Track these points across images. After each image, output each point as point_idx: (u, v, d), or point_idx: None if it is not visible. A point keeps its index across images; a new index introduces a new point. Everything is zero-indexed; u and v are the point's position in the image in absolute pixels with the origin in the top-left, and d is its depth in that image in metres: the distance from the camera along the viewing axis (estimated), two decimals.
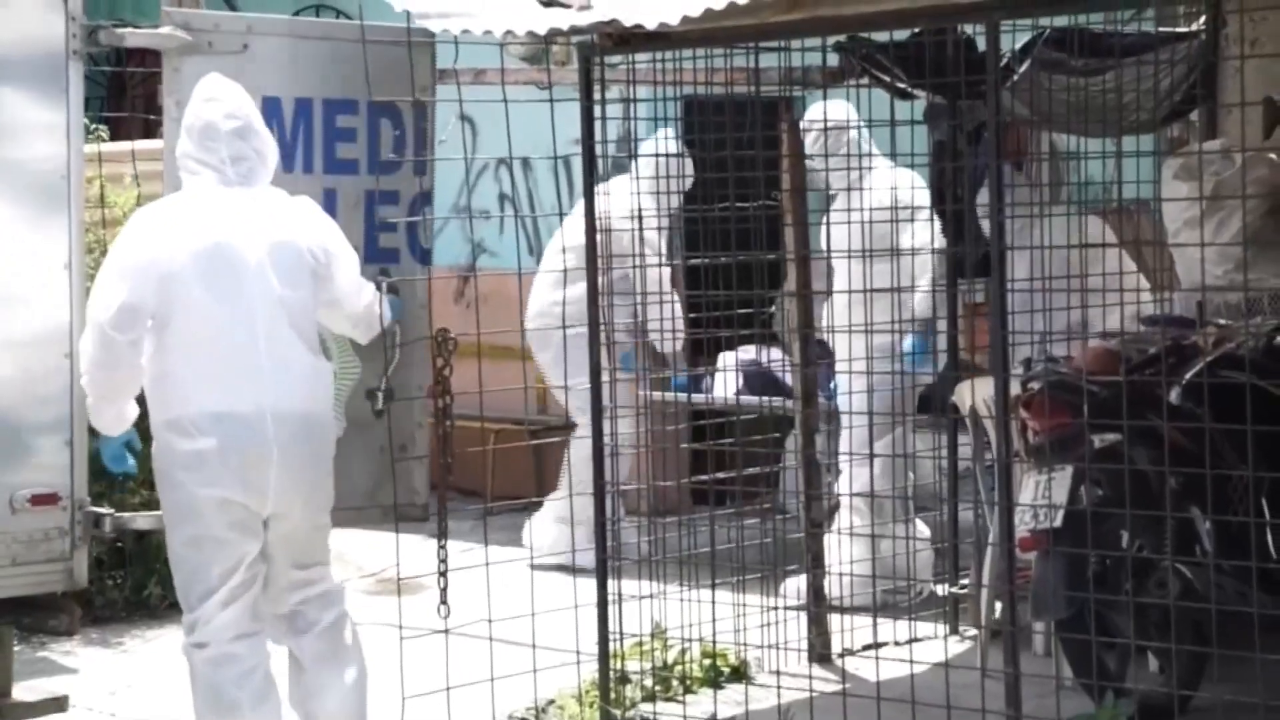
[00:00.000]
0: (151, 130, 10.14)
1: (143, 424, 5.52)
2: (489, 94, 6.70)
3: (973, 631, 7.16)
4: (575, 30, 5.97)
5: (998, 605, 6.79)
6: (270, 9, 11.25)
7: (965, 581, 7.29)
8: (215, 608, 5.32)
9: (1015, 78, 6.96)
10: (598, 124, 6.36)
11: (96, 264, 5.85)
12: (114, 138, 8.58)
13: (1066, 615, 6.00)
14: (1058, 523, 5.95)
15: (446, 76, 6.42)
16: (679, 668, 6.67)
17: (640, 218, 7.13)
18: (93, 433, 5.62)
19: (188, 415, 5.31)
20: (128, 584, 7.95)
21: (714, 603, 6.56)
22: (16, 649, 6.12)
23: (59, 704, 5.93)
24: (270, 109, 5.88)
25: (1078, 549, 5.83)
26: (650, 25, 5.61)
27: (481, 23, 5.91)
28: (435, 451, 5.96)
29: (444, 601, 5.76)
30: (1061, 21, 7.00)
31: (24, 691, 5.94)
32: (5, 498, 5.50)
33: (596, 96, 6.32)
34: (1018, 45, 6.97)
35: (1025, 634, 6.54)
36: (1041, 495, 6.01)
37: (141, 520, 5.79)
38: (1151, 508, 5.85)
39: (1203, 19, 7.72)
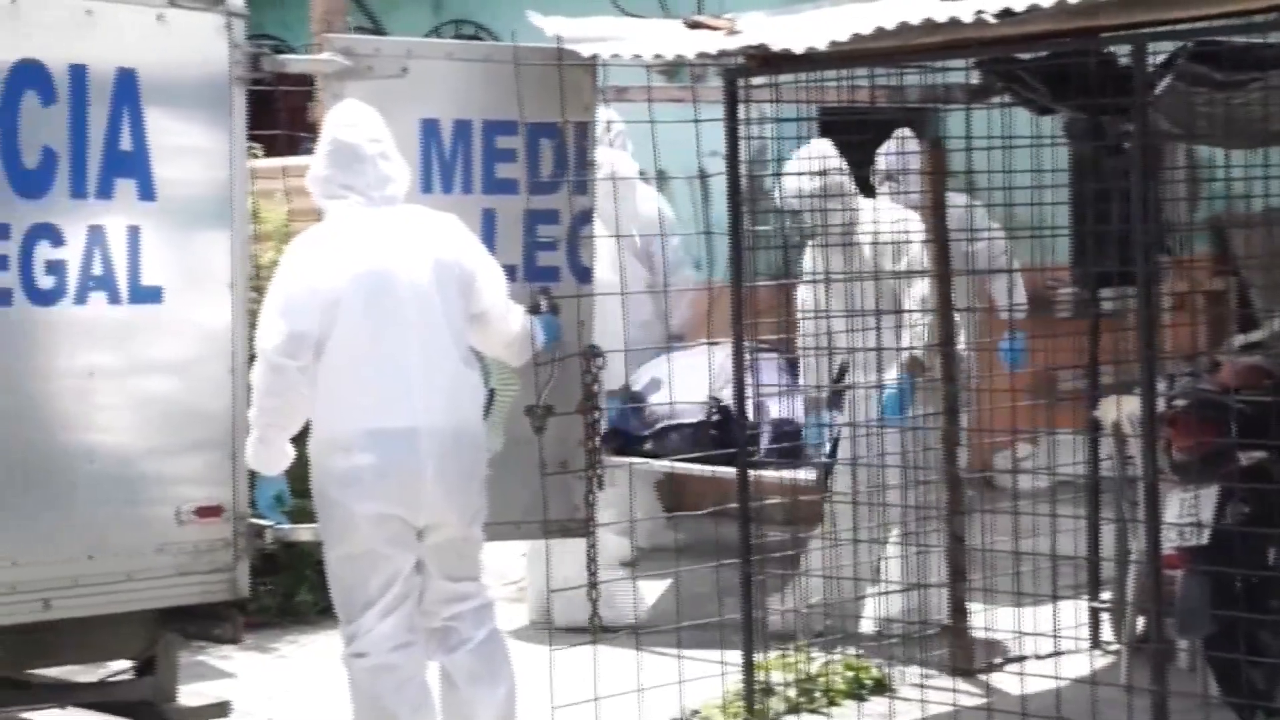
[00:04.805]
0: (296, 146, 10.39)
1: (294, 470, 5.62)
2: (630, 110, 6.82)
3: (1115, 646, 7.16)
4: (724, 54, 6.05)
5: (1139, 620, 6.80)
6: (410, 28, 11.47)
7: (1107, 596, 7.28)
8: (374, 619, 5.43)
9: (1157, 92, 6.94)
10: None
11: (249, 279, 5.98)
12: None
13: (1213, 633, 6.00)
14: (1204, 540, 5.95)
15: None
16: (822, 679, 6.73)
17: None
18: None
19: (344, 433, 5.43)
20: (279, 590, 8.11)
21: (859, 616, 6.62)
22: None
23: (221, 709, 6.06)
24: (429, 131, 5.98)
25: (1224, 567, 5.84)
26: (798, 49, 5.67)
27: (630, 47, 6.00)
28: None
29: (596, 614, 5.87)
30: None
31: (188, 696, 6.08)
32: (172, 510, 5.65)
33: (741, 116, 6.40)
34: (1159, 59, 6.94)
35: (1170, 650, 6.53)
36: (1187, 513, 6.01)
37: (303, 533, 5.89)
38: None
39: None
